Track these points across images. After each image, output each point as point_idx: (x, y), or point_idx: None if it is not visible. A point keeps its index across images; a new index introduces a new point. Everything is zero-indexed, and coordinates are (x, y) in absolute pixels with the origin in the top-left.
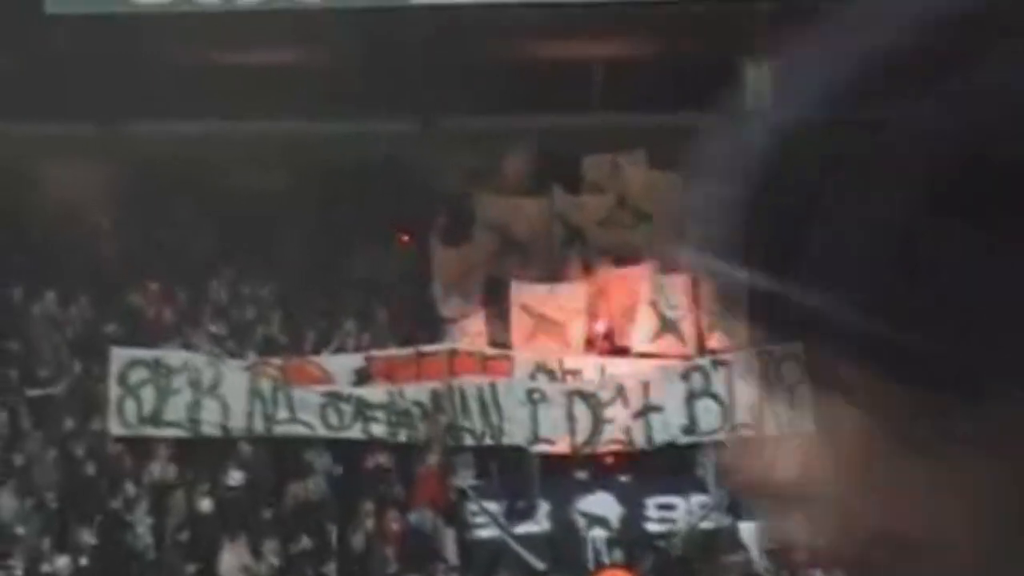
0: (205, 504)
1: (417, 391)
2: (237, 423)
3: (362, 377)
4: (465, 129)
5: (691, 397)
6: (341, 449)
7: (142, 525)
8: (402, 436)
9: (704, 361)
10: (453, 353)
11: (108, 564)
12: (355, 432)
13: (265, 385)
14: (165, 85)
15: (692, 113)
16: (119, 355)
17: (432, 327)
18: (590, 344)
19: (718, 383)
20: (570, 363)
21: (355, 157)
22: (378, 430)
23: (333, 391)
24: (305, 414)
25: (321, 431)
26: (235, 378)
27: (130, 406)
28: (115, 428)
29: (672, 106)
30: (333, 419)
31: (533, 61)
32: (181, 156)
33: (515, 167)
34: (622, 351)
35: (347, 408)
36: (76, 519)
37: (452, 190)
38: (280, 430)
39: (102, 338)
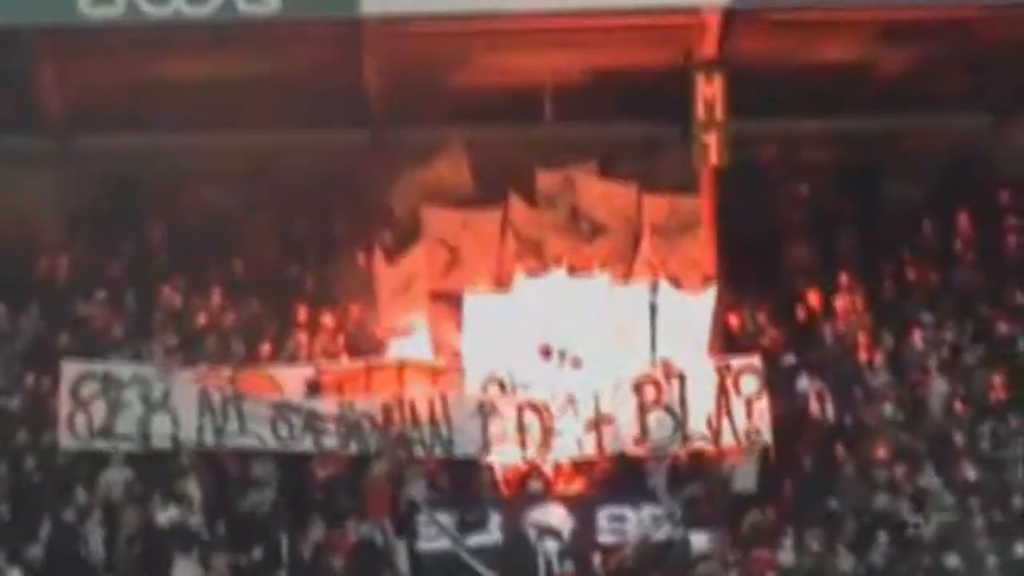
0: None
1: (368, 404)
2: (188, 435)
3: (313, 388)
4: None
5: (643, 409)
6: (292, 460)
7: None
8: (352, 448)
9: (658, 373)
10: (402, 365)
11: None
12: (306, 444)
13: (215, 397)
14: (114, 97)
15: (644, 125)
16: (70, 368)
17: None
18: (543, 356)
19: (670, 396)
20: (521, 375)
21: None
22: (329, 442)
23: (284, 402)
24: (255, 425)
25: (271, 443)
26: (185, 390)
27: (81, 419)
28: (65, 441)
29: (624, 118)
30: (283, 431)
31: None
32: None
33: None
34: (575, 363)
35: (297, 421)
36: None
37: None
38: (230, 442)
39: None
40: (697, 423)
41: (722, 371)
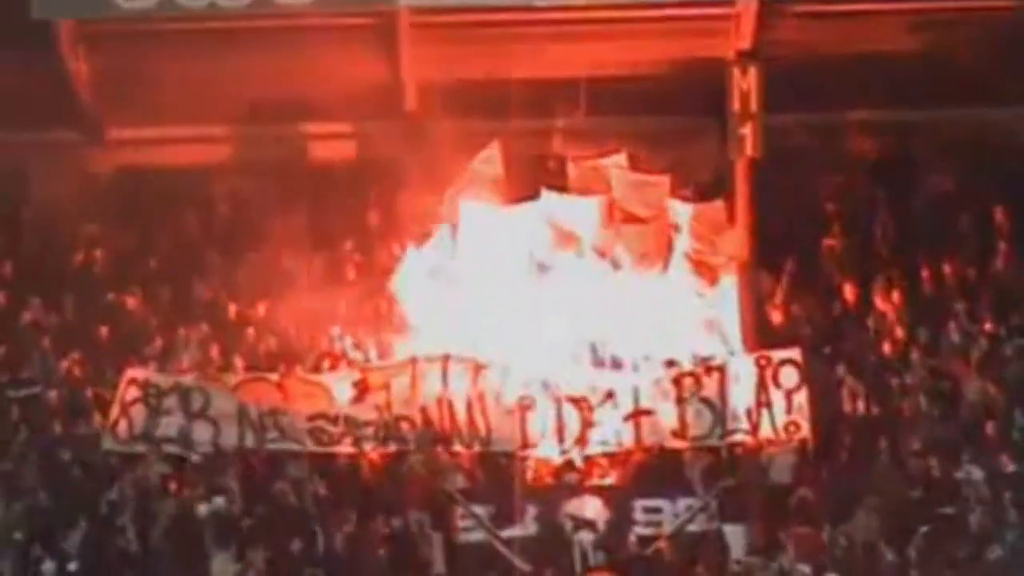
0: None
1: (406, 406)
2: (229, 442)
3: (360, 390)
4: None
5: (682, 402)
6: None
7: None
8: (391, 447)
9: (697, 367)
10: (446, 359)
11: None
12: (345, 446)
13: (253, 411)
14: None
15: (679, 117)
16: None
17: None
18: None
19: (710, 388)
20: (560, 369)
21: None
22: (368, 445)
23: (320, 413)
24: (295, 434)
25: (312, 447)
26: (224, 402)
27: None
28: (108, 443)
29: (658, 110)
30: (323, 438)
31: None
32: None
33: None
34: (616, 361)
35: (335, 429)
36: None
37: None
38: (271, 447)
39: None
40: (736, 416)
41: (761, 364)
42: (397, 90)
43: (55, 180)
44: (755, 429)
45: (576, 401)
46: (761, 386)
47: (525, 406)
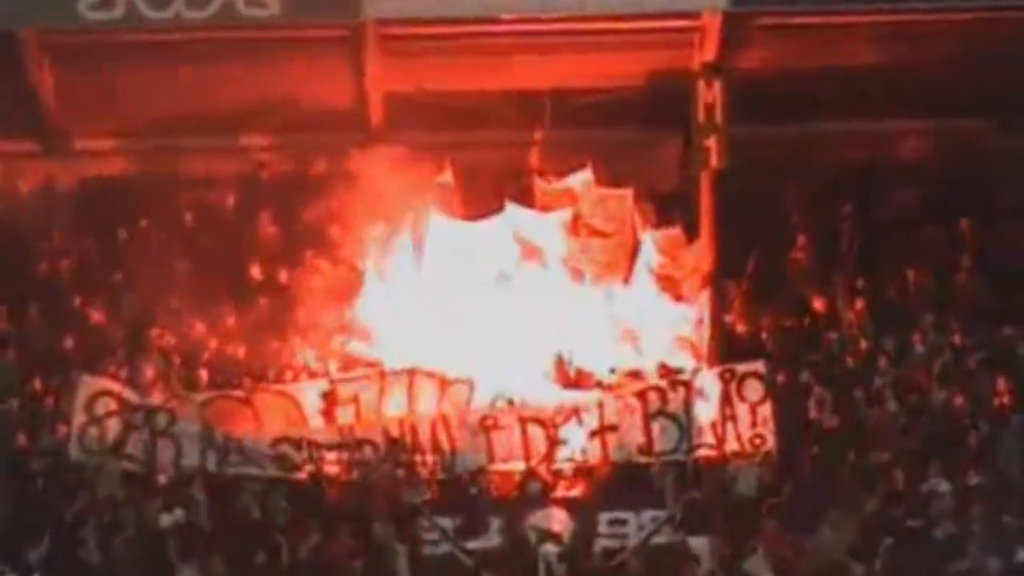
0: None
1: (370, 429)
2: (191, 463)
3: (328, 401)
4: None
5: (647, 417)
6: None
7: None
8: (355, 474)
9: (662, 382)
10: (412, 373)
11: None
12: (307, 472)
13: (217, 434)
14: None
15: (644, 129)
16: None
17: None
18: (550, 368)
19: (675, 403)
20: (526, 385)
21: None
22: (331, 470)
23: (284, 436)
24: (257, 457)
25: (273, 472)
26: (189, 420)
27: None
28: (75, 454)
29: (623, 122)
30: (286, 464)
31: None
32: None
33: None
34: (582, 376)
35: (297, 455)
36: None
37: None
38: (232, 471)
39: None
40: (701, 430)
41: (726, 377)
42: (362, 102)
43: (17, 191)
44: (720, 443)
45: (541, 421)
46: (726, 399)
47: (489, 426)
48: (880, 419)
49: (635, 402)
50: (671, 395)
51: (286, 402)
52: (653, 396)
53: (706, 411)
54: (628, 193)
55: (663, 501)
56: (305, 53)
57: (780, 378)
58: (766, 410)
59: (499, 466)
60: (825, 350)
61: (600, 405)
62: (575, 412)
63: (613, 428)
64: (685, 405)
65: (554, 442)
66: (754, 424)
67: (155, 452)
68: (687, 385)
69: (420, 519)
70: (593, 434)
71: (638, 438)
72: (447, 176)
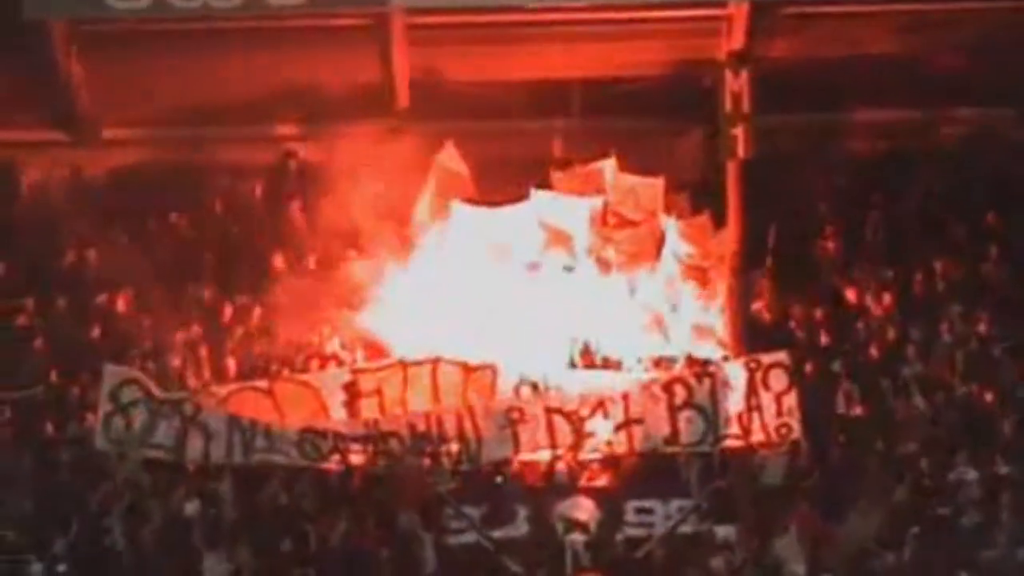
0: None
1: (395, 421)
2: (218, 452)
3: (351, 393)
4: None
5: (673, 409)
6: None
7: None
8: (380, 465)
9: (687, 373)
10: (436, 362)
11: None
12: (333, 462)
13: (244, 420)
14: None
15: (672, 118)
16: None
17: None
18: (575, 356)
19: (701, 395)
20: (552, 375)
21: None
22: (356, 460)
23: (309, 427)
24: (283, 445)
25: (299, 461)
26: (214, 413)
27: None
28: (101, 442)
29: (651, 111)
30: (311, 452)
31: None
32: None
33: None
34: (608, 364)
35: (324, 444)
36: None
37: None
38: (259, 458)
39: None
40: (727, 421)
41: (751, 367)
42: (389, 91)
43: (47, 180)
44: (746, 433)
45: (566, 414)
46: (751, 390)
47: (515, 418)
48: (907, 409)
49: (661, 394)
50: (697, 387)
51: (308, 392)
52: (679, 388)
53: (732, 401)
54: (659, 182)
55: (689, 490)
56: (331, 41)
57: (807, 367)
58: (791, 400)
59: (525, 456)
60: (852, 340)
61: (626, 397)
62: (600, 405)
63: (639, 420)
64: (711, 396)
65: (580, 434)
66: (779, 414)
67: (185, 440)
68: (713, 376)
69: (446, 508)
70: (619, 427)
71: (664, 429)
72: (453, 158)
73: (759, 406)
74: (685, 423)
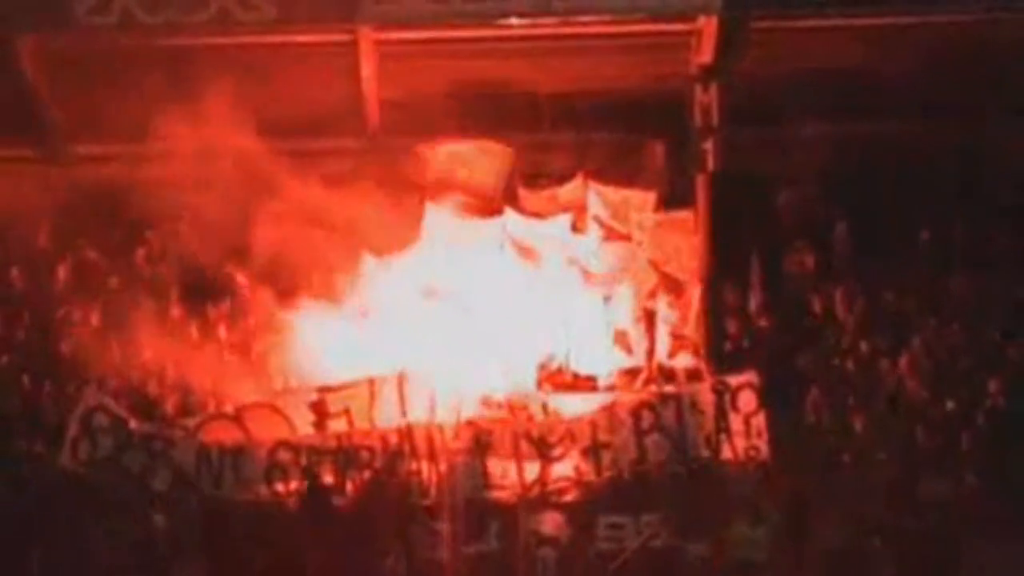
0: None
1: (365, 438)
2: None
3: (319, 413)
4: None
5: (640, 433)
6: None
7: None
8: (349, 487)
9: (654, 399)
10: (402, 377)
11: None
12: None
13: (213, 451)
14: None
15: (639, 132)
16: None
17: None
18: (544, 373)
19: (668, 419)
20: (521, 387)
21: None
22: (328, 478)
23: (284, 441)
24: (251, 475)
25: (266, 495)
26: (184, 447)
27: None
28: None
29: (619, 125)
30: (279, 483)
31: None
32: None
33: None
34: (578, 381)
35: (294, 469)
36: None
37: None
38: (227, 495)
39: None
40: (695, 444)
41: (718, 390)
42: (359, 107)
43: (13, 196)
44: (715, 455)
45: (534, 441)
46: (719, 412)
47: (485, 444)
48: (878, 421)
49: (628, 418)
50: (663, 412)
51: (276, 416)
52: (646, 413)
53: (699, 424)
54: (640, 195)
55: (660, 505)
56: (300, 57)
57: (777, 382)
58: (760, 421)
59: (495, 479)
60: (822, 353)
61: (593, 424)
62: (568, 433)
63: (607, 445)
64: (678, 420)
65: (548, 460)
66: (748, 435)
67: (152, 473)
68: (678, 399)
69: (418, 524)
70: (586, 451)
71: (631, 454)
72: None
73: (728, 428)
74: (653, 447)
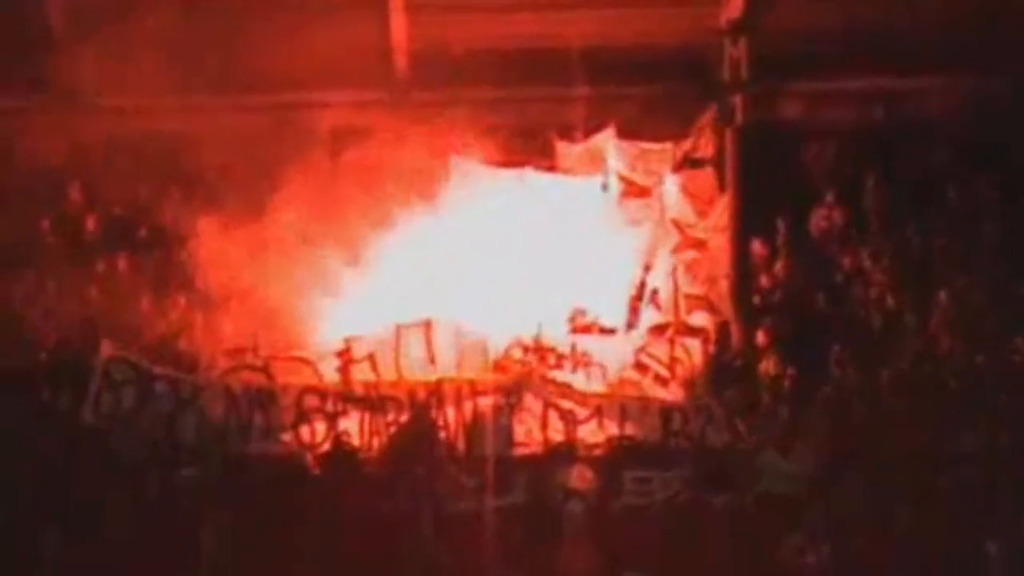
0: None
1: (390, 387)
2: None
3: (344, 359)
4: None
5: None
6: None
7: None
8: (377, 431)
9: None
10: (428, 325)
11: None
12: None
13: (240, 396)
14: None
15: (669, 86)
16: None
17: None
18: (574, 326)
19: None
20: (547, 339)
21: None
22: (353, 428)
23: (311, 386)
24: (277, 423)
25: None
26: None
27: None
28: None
29: (648, 79)
30: (306, 433)
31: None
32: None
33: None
34: (601, 330)
35: (320, 423)
36: None
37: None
38: (255, 448)
39: None
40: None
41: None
42: (387, 58)
43: (38, 147)
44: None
45: (563, 412)
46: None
47: (514, 402)
48: (903, 377)
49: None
50: (692, 417)
51: (304, 367)
52: (676, 415)
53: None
54: (666, 147)
55: (689, 459)
56: (330, 9)
57: (803, 338)
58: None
59: (520, 437)
60: (850, 309)
61: (622, 408)
62: (598, 411)
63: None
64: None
65: (574, 436)
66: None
67: (176, 423)
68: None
69: (444, 476)
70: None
71: (658, 428)
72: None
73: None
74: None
